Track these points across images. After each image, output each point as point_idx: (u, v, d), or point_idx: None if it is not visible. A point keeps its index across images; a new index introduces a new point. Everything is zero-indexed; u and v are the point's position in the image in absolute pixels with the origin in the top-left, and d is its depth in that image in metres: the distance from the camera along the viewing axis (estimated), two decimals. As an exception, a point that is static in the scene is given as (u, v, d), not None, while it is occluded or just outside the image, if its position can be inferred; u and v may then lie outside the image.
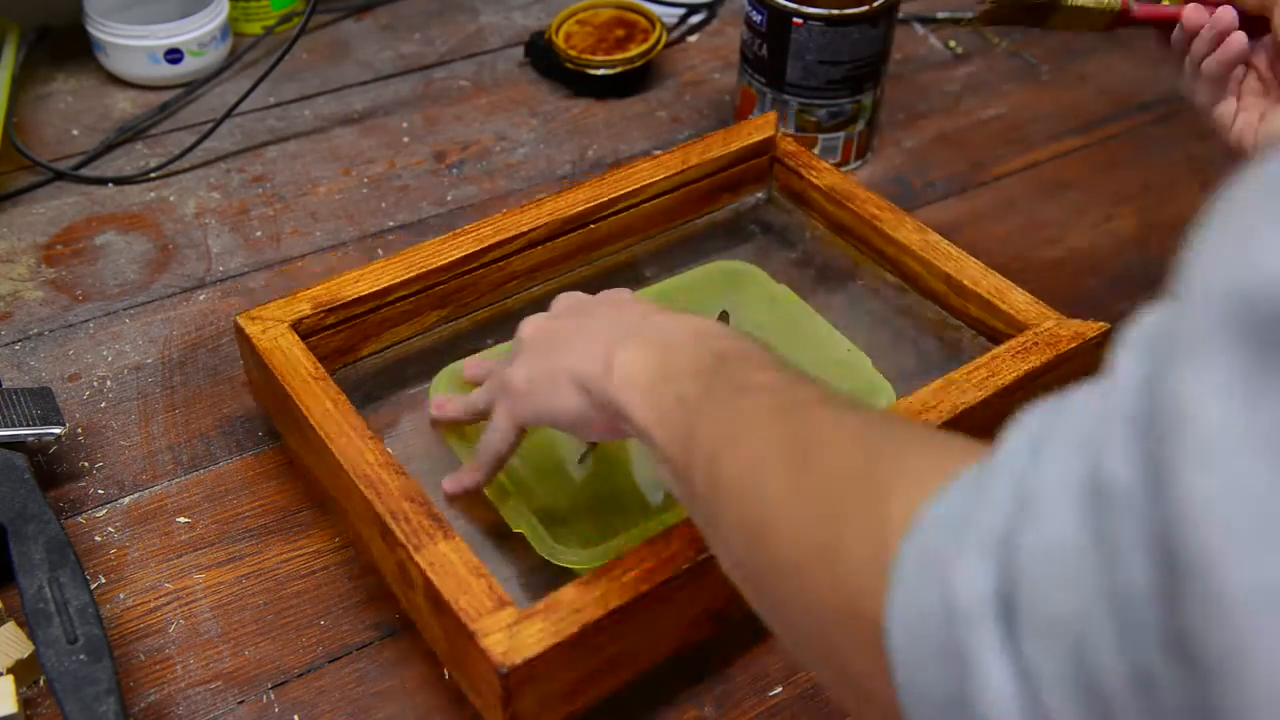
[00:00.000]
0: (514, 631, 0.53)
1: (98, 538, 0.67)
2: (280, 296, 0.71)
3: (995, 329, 0.71)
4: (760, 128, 0.83)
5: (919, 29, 1.13)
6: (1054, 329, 0.68)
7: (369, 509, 0.59)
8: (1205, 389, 0.25)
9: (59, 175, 0.91)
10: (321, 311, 0.69)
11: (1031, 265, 0.88)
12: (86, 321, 0.80)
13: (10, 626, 0.60)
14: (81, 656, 0.55)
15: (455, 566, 0.55)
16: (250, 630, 0.63)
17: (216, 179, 0.92)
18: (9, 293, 0.82)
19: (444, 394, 0.70)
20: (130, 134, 0.96)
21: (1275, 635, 0.24)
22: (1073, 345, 0.67)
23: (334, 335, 0.71)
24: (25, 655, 0.59)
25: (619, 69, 1.00)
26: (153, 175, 0.92)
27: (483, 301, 0.76)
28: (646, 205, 0.80)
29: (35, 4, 1.04)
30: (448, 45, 1.08)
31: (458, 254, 0.73)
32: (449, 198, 0.91)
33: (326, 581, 0.66)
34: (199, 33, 0.99)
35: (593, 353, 0.56)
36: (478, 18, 1.12)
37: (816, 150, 0.94)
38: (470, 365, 0.72)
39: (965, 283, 0.72)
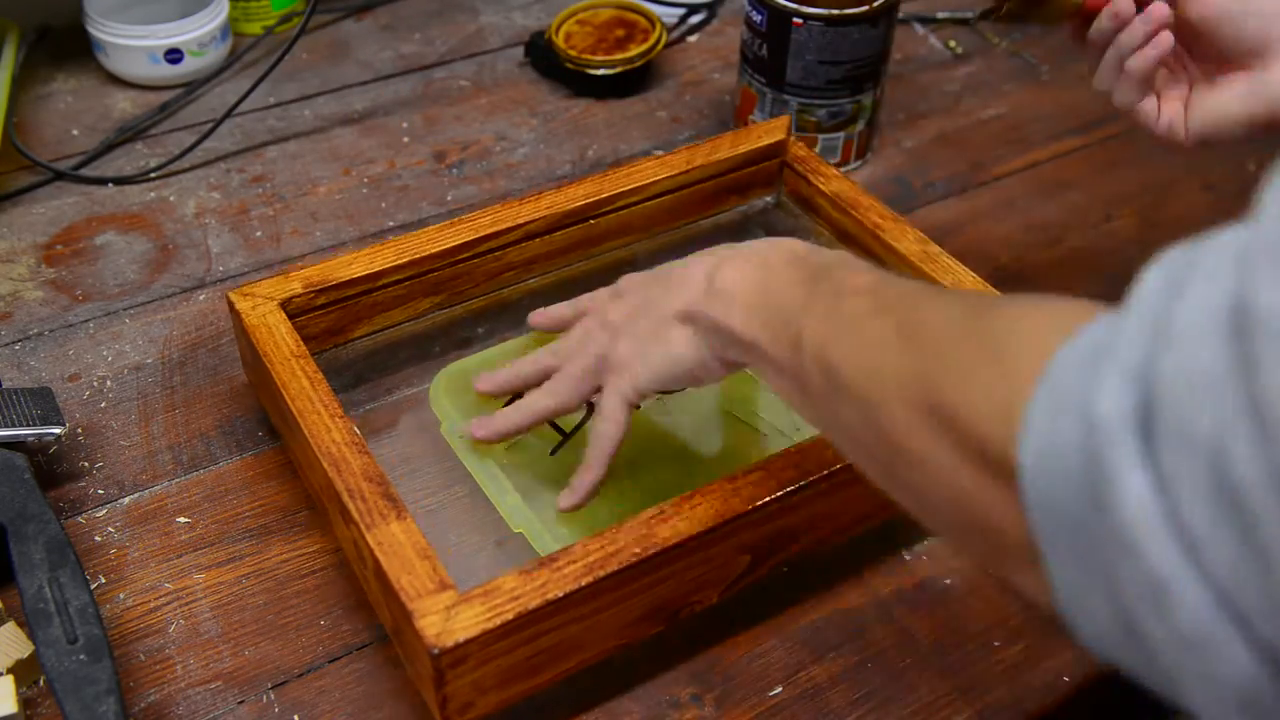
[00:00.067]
0: (450, 614, 0.53)
1: (98, 538, 0.67)
2: (305, 269, 0.72)
3: None
4: (771, 131, 0.83)
5: (919, 29, 1.13)
6: None
7: (329, 486, 0.59)
8: None
9: (59, 175, 0.91)
10: (312, 291, 0.70)
11: (1031, 265, 0.88)
12: (86, 321, 0.80)
13: (10, 626, 0.60)
14: (81, 656, 0.55)
15: (403, 547, 0.56)
16: (250, 630, 0.63)
17: (216, 179, 0.92)
18: (9, 293, 0.82)
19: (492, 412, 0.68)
20: (130, 134, 0.96)
21: None
22: None
23: (324, 316, 0.71)
24: (25, 655, 0.59)
25: (619, 69, 1.00)
26: (153, 175, 0.92)
27: (478, 291, 0.76)
28: (649, 204, 0.80)
29: (35, 4, 1.04)
30: (448, 45, 1.08)
31: (453, 242, 0.73)
32: (449, 198, 0.91)
33: (326, 581, 0.66)
34: (199, 33, 0.99)
35: (692, 286, 0.59)
36: (478, 18, 1.12)
37: (817, 150, 0.94)
38: (542, 314, 0.72)
39: None
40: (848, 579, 0.67)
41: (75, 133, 0.96)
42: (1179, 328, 0.31)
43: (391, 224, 0.89)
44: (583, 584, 0.55)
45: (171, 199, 0.90)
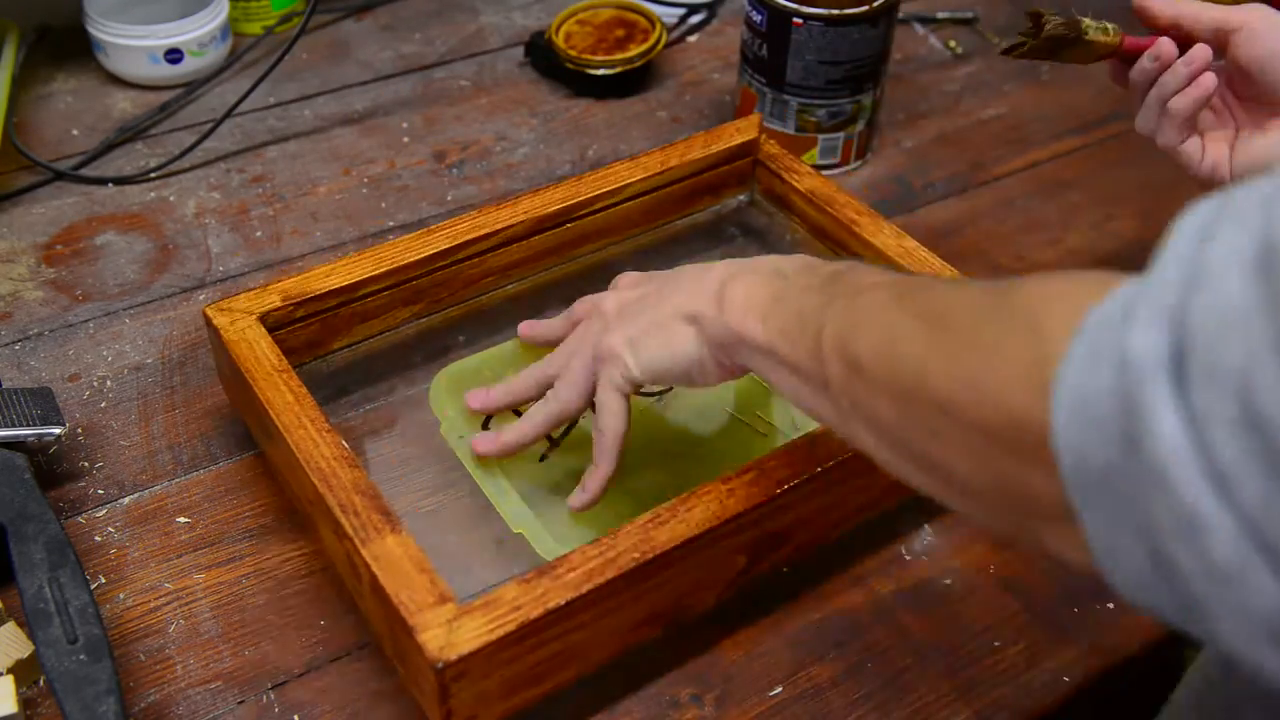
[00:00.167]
0: (452, 627, 0.53)
1: (98, 538, 0.67)
2: (282, 281, 0.71)
3: None
4: (743, 130, 0.83)
5: (919, 29, 1.13)
6: None
7: (321, 501, 0.59)
8: None
9: (59, 175, 0.91)
10: (291, 304, 0.69)
11: (1031, 265, 0.88)
12: (86, 321, 0.80)
13: (10, 626, 0.60)
14: (81, 656, 0.55)
15: (400, 561, 0.56)
16: (250, 630, 0.63)
17: (216, 179, 0.92)
18: (9, 293, 0.82)
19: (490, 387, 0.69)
20: (130, 134, 0.96)
21: None
22: None
23: (304, 328, 0.71)
24: (25, 655, 0.59)
25: (619, 69, 1.00)
26: (153, 175, 0.92)
27: (456, 298, 0.76)
28: (625, 205, 0.80)
29: (35, 4, 1.04)
30: (448, 45, 1.08)
31: (430, 250, 0.73)
32: (449, 198, 0.91)
33: (326, 581, 0.66)
34: (199, 33, 0.99)
35: (700, 292, 0.59)
36: (478, 18, 1.12)
37: (816, 150, 0.94)
38: (529, 325, 0.72)
39: None
40: (847, 579, 0.67)
41: (75, 133, 0.96)
42: (1210, 269, 0.32)
43: (391, 224, 0.89)
44: (583, 591, 0.55)
45: (171, 199, 0.90)
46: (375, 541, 0.57)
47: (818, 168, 0.94)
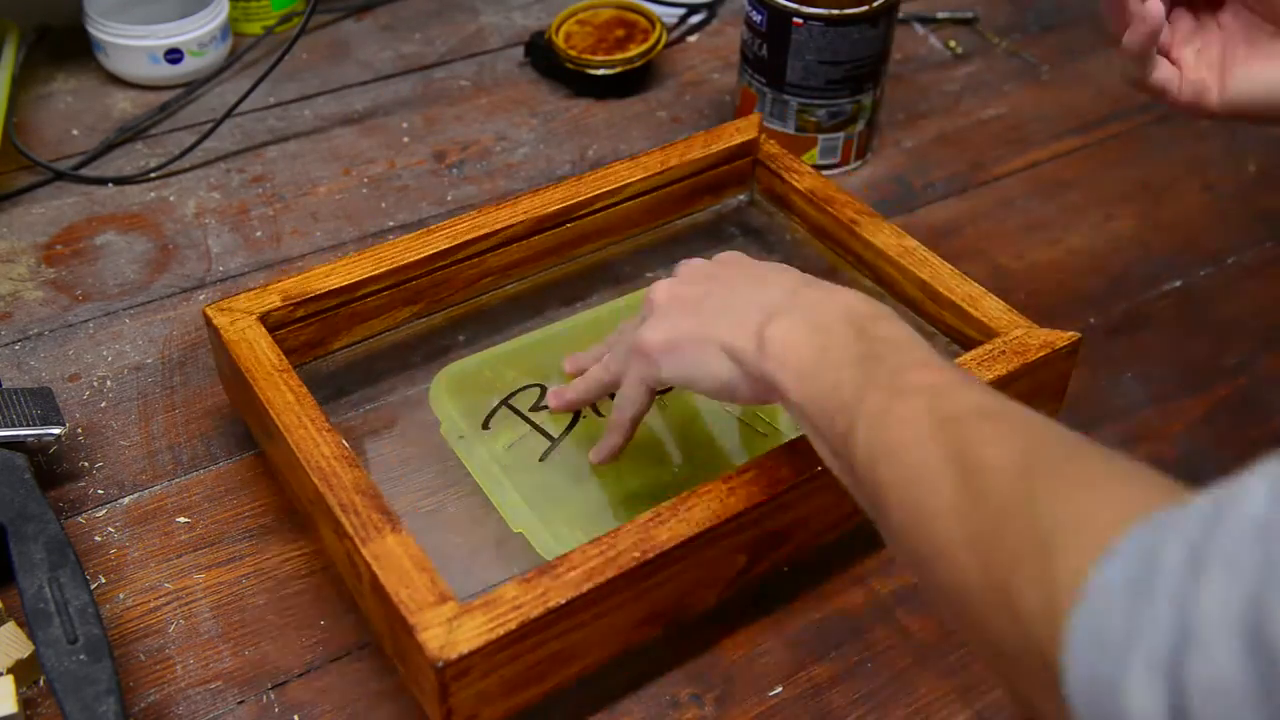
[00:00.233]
0: (452, 626, 0.53)
1: (98, 538, 0.67)
2: (282, 280, 0.71)
3: (968, 336, 0.71)
4: (743, 130, 0.83)
5: (919, 29, 1.13)
6: (1023, 338, 0.68)
7: (321, 501, 0.59)
8: None
9: (59, 175, 0.91)
10: (291, 304, 0.69)
11: (1031, 265, 0.88)
12: (86, 321, 0.80)
13: (10, 626, 0.60)
14: (81, 656, 0.55)
15: (400, 560, 0.56)
16: (250, 630, 0.63)
17: (216, 179, 0.92)
18: (9, 293, 0.82)
19: (556, 387, 0.70)
20: (130, 134, 0.96)
21: None
22: (1041, 354, 0.67)
23: (304, 328, 0.71)
24: (25, 655, 0.59)
25: (619, 69, 1.00)
26: (153, 175, 0.92)
27: (456, 298, 0.76)
28: (625, 205, 0.80)
29: (35, 4, 1.04)
30: (448, 45, 1.08)
31: (430, 250, 0.73)
32: (449, 198, 0.91)
33: (326, 581, 0.66)
34: (199, 33, 0.99)
35: (743, 325, 0.57)
36: (478, 18, 1.12)
37: (816, 150, 0.94)
38: (572, 360, 0.72)
39: (940, 289, 0.72)
40: (848, 579, 0.67)
41: (75, 133, 0.96)
42: (1201, 628, 0.31)
43: (391, 224, 0.89)
44: (583, 590, 0.55)
45: (171, 199, 0.90)
46: (375, 541, 0.57)
47: (818, 168, 0.94)
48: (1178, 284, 0.87)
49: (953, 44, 1.11)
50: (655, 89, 1.04)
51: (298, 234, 0.88)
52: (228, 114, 0.93)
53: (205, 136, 0.93)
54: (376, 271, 0.72)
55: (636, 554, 0.56)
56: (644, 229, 0.82)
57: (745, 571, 0.62)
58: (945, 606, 0.44)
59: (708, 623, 0.63)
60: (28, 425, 0.67)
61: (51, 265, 0.84)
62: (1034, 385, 0.68)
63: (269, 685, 0.61)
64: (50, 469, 0.70)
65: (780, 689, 0.62)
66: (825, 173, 0.89)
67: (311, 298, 0.70)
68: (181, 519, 0.68)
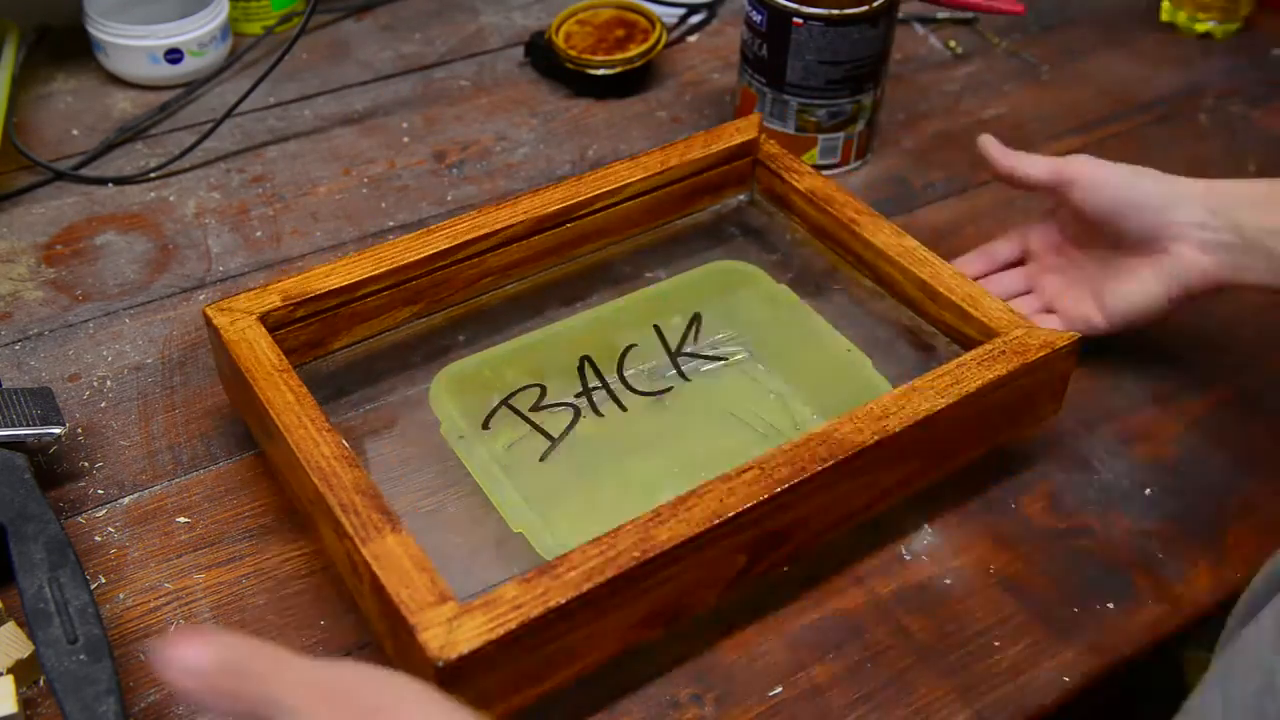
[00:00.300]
0: (453, 626, 0.53)
1: (98, 538, 0.67)
2: (282, 280, 0.71)
3: (968, 336, 0.71)
4: (743, 130, 0.83)
5: (919, 29, 1.13)
6: (1023, 338, 0.68)
7: (321, 501, 0.59)
8: None
9: (59, 175, 0.91)
10: (291, 304, 0.69)
11: (1031, 265, 0.88)
12: (86, 321, 0.80)
13: (10, 626, 0.60)
14: (81, 656, 0.55)
15: (400, 560, 0.56)
16: (250, 630, 0.63)
17: (216, 179, 0.92)
18: (9, 293, 0.82)
19: None
20: (130, 134, 0.96)
21: None
22: (1041, 354, 0.67)
23: (304, 329, 0.71)
24: (25, 655, 0.59)
25: (619, 69, 1.00)
26: (153, 175, 0.92)
27: (457, 298, 0.76)
28: (625, 205, 0.80)
29: (35, 4, 1.04)
30: (448, 45, 1.08)
31: (430, 250, 0.73)
32: (449, 198, 0.91)
33: (326, 581, 0.66)
34: (199, 33, 0.99)
35: None
36: (478, 18, 1.12)
37: (817, 150, 0.94)
38: None
39: (940, 289, 0.72)
40: (847, 579, 0.67)
41: (75, 133, 0.96)
42: None
43: (391, 224, 0.89)
44: (583, 590, 0.55)
45: (171, 199, 0.90)
46: (375, 541, 0.57)
47: (818, 168, 0.94)
48: (1178, 284, 0.87)
49: (953, 44, 1.11)
50: (655, 89, 1.04)
51: (298, 234, 0.88)
52: (228, 114, 0.93)
53: (205, 136, 0.93)
54: (376, 271, 0.71)
55: (636, 554, 0.56)
56: (644, 229, 0.82)
57: (745, 571, 0.62)
58: None
59: (708, 623, 0.63)
60: (28, 425, 0.67)
61: (51, 265, 0.84)
62: (1034, 385, 0.68)
63: (269, 685, 0.61)
64: (50, 469, 0.70)
65: (780, 689, 0.62)
66: (825, 173, 0.89)
67: (311, 298, 0.70)
68: (181, 519, 0.68)
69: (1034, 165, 0.77)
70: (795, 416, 0.73)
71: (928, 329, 0.74)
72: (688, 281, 0.79)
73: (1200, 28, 1.13)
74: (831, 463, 0.61)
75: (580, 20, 1.04)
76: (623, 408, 0.73)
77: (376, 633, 0.61)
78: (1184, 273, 0.72)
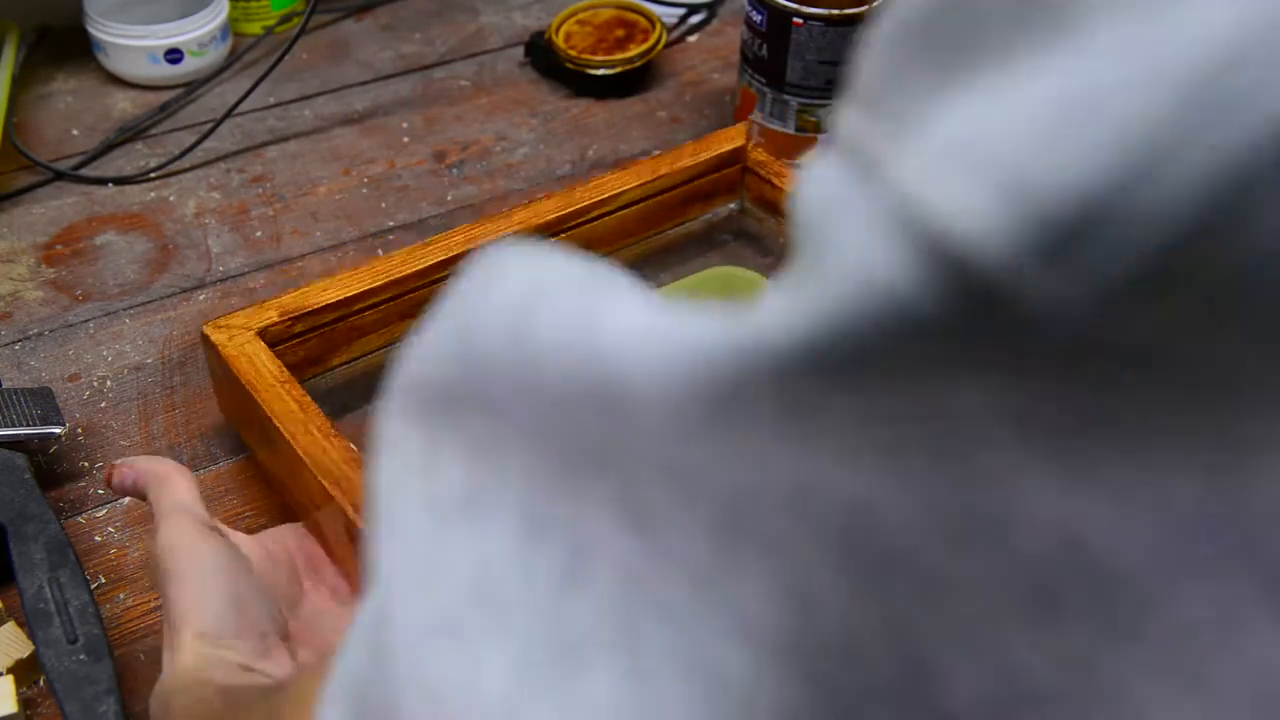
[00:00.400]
0: None
1: (98, 538, 0.67)
2: (280, 296, 0.70)
3: None
4: (731, 138, 0.84)
5: (919, 29, 1.13)
6: None
7: (335, 506, 0.59)
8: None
9: (59, 175, 0.91)
10: (289, 319, 0.69)
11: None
12: (86, 321, 0.80)
13: (10, 626, 0.60)
14: (81, 656, 0.55)
15: None
16: (250, 630, 0.63)
17: (216, 179, 0.92)
18: (9, 293, 0.82)
19: None
20: (130, 134, 0.96)
21: (426, 663, 0.27)
22: None
23: (302, 344, 0.70)
24: (25, 655, 0.59)
25: (619, 69, 1.00)
26: (153, 175, 0.92)
27: None
28: (619, 214, 0.80)
29: (35, 4, 1.04)
30: (448, 45, 1.08)
31: (428, 262, 0.73)
32: (449, 198, 0.91)
33: (326, 581, 0.66)
34: (199, 33, 0.99)
35: None
36: (478, 18, 1.12)
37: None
38: None
39: None
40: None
41: (75, 133, 0.96)
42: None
43: (391, 224, 0.89)
44: None
45: (171, 199, 0.90)
46: None
47: (818, 168, 0.94)
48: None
49: (953, 44, 1.11)
50: (655, 89, 1.04)
51: (298, 234, 0.88)
52: (228, 114, 0.93)
53: (205, 136, 0.93)
54: (373, 284, 0.71)
55: None
56: (639, 238, 0.83)
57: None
58: None
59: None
60: (28, 425, 0.67)
61: (51, 265, 0.84)
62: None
63: (269, 685, 0.61)
64: (50, 469, 0.70)
65: (780, 689, 0.62)
66: (825, 173, 0.89)
67: (309, 312, 0.70)
68: (181, 519, 0.68)
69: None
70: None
71: None
72: (687, 287, 0.80)
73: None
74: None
75: (580, 20, 1.04)
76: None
77: None
78: None
